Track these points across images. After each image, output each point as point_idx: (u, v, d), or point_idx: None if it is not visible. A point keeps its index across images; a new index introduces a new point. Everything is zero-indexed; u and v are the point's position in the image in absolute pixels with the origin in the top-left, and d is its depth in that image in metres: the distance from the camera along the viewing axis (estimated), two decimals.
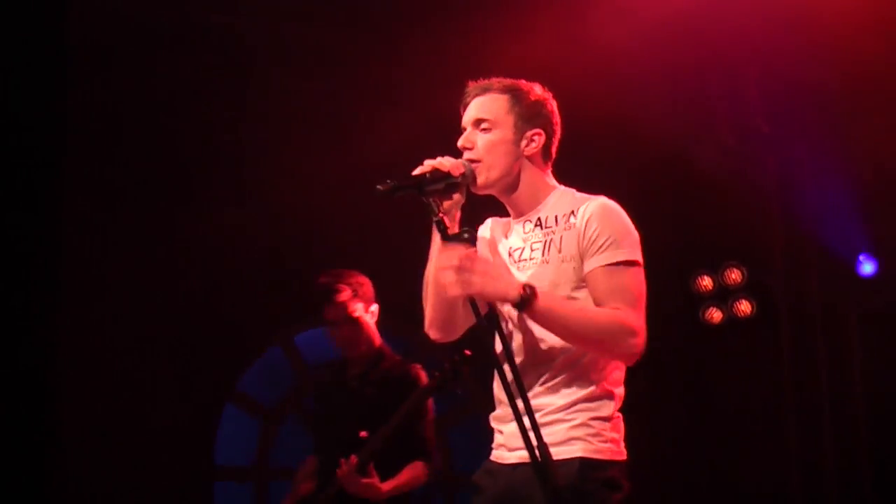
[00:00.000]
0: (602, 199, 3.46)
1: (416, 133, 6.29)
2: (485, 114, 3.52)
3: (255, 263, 7.17)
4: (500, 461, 3.50)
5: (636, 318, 3.30)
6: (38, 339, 6.54)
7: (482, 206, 3.65)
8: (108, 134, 7.01)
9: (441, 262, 3.28)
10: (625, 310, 3.30)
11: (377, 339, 5.63)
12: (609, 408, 3.42)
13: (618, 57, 7.01)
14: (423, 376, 5.52)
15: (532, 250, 3.50)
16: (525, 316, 3.30)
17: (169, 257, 7.11)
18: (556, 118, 3.59)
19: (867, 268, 7.63)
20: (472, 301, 3.20)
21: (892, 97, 7.13)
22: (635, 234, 3.43)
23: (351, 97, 7.35)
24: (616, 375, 3.46)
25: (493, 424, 3.56)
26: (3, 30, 6.27)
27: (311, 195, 7.05)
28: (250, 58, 7.21)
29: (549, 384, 3.41)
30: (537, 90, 3.58)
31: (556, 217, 3.48)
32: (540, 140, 3.53)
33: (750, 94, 7.72)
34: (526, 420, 3.08)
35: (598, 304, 3.35)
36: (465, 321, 3.54)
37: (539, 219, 3.52)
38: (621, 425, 3.46)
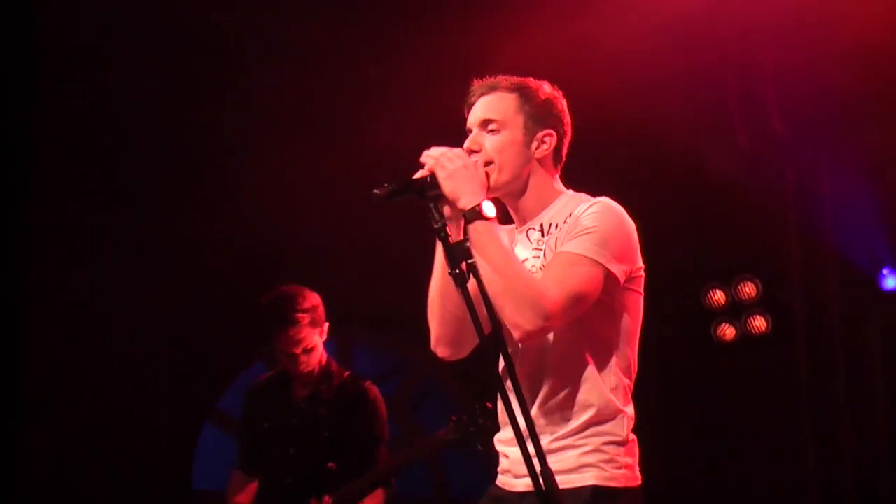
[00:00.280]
0: (603, 199, 3.46)
1: (414, 135, 6.29)
2: (492, 114, 3.51)
3: (239, 273, 7.17)
4: (506, 488, 3.49)
5: (552, 302, 3.24)
6: (8, 354, 6.56)
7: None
8: (82, 135, 7.02)
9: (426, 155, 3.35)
10: (549, 291, 3.26)
11: (325, 357, 5.67)
12: (622, 429, 3.41)
13: (627, 56, 7.02)
14: (376, 392, 5.62)
15: (533, 258, 3.50)
16: (469, 233, 3.27)
17: (146, 267, 7.10)
18: (567, 118, 3.59)
19: (890, 282, 7.65)
20: (474, 318, 3.18)
21: None
22: (625, 242, 3.40)
23: (344, 96, 7.35)
24: (625, 393, 3.45)
25: (498, 447, 3.56)
26: None
27: (301, 201, 7.06)
28: (236, 55, 7.21)
29: (557, 406, 3.40)
30: (546, 88, 3.58)
31: (557, 223, 3.48)
32: (551, 141, 3.53)
33: (766, 94, 7.74)
34: (530, 445, 3.07)
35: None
36: (475, 337, 3.49)
37: (542, 225, 3.52)
38: (636, 449, 3.45)
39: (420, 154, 3.40)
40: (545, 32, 6.84)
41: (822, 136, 7.73)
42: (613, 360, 3.43)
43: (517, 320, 3.25)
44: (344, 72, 7.35)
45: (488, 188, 3.44)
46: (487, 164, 3.47)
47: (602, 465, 3.36)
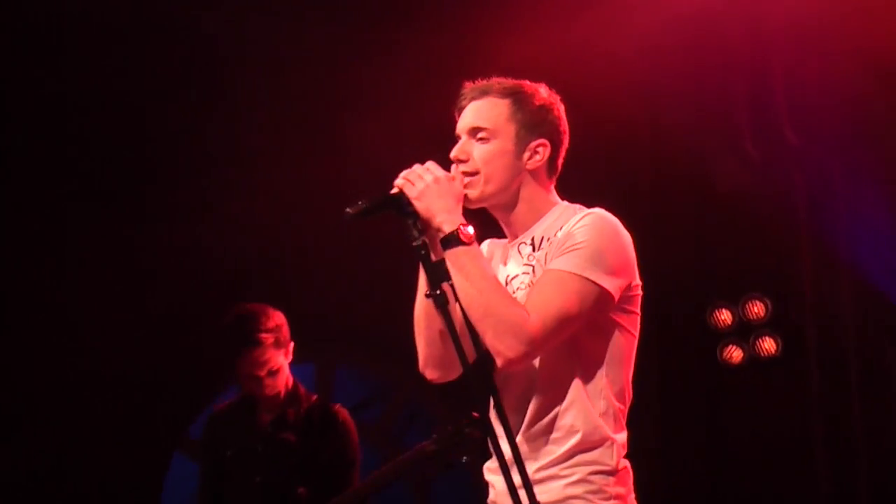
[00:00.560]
0: (596, 210, 3.45)
1: (402, 142, 6.31)
2: (482, 121, 3.50)
3: (213, 292, 7.16)
4: None
5: (535, 329, 3.26)
6: None
7: (478, 226, 3.60)
8: (53, 142, 7.04)
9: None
10: (533, 317, 3.26)
11: (291, 380, 5.68)
12: (611, 458, 3.40)
13: (627, 58, 7.05)
14: (346, 415, 5.66)
15: (523, 274, 3.49)
16: (447, 257, 3.28)
17: (114, 283, 7.11)
18: (564, 125, 3.58)
19: None
20: (455, 341, 3.18)
21: None
22: (620, 257, 3.39)
23: (331, 103, 7.35)
24: (616, 419, 3.44)
25: (487, 476, 3.57)
26: None
27: (281, 214, 7.07)
28: (215, 56, 7.22)
29: (541, 431, 3.40)
30: (543, 92, 3.57)
31: (548, 237, 3.47)
32: (545, 152, 3.52)
33: (777, 100, 7.75)
34: (516, 476, 3.09)
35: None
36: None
37: (533, 239, 3.51)
38: (629, 477, 3.45)
39: (411, 165, 3.39)
40: (542, 32, 6.84)
41: (836, 144, 7.72)
42: (604, 384, 3.43)
43: (498, 347, 3.27)
44: (330, 77, 7.34)
45: (474, 199, 3.44)
46: (472, 174, 3.46)
47: (589, 496, 3.37)
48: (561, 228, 3.42)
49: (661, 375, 7.63)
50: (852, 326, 7.86)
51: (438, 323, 3.37)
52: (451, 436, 5.06)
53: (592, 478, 3.37)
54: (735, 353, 7.99)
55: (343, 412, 5.70)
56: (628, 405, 3.50)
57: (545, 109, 3.55)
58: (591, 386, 3.41)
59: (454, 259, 3.27)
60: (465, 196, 3.44)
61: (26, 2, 6.82)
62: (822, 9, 7.04)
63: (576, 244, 3.34)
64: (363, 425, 6.53)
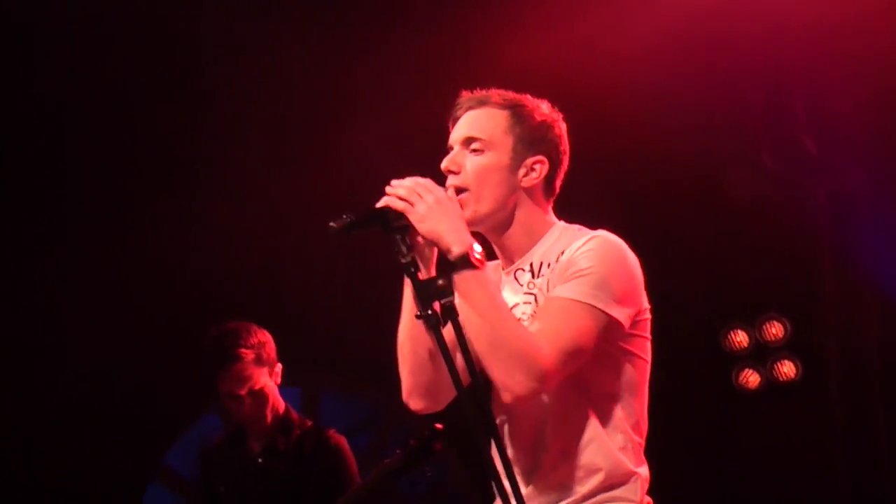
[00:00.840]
0: (601, 233, 3.45)
1: (393, 150, 6.31)
2: (478, 132, 3.49)
3: (190, 314, 7.18)
4: None
5: (546, 362, 3.23)
6: None
7: None
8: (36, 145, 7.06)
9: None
10: (545, 349, 3.24)
11: (281, 405, 5.69)
12: (635, 493, 3.41)
13: (633, 60, 7.03)
14: (341, 440, 5.66)
15: (524, 304, 3.48)
16: (455, 282, 3.24)
17: (86, 296, 7.14)
18: (565, 145, 3.58)
19: None
20: (451, 369, 3.15)
21: None
22: (628, 282, 3.39)
23: (321, 110, 7.37)
24: (636, 452, 3.44)
25: None
26: None
27: (265, 232, 7.09)
28: (198, 59, 7.26)
29: (559, 473, 3.39)
30: (544, 109, 3.57)
31: (549, 262, 3.46)
32: (542, 169, 3.51)
33: (796, 106, 7.74)
34: None
35: None
36: (453, 387, 3.50)
37: (532, 265, 3.50)
38: None
39: (403, 175, 3.36)
40: (544, 32, 6.84)
41: (859, 153, 7.72)
42: (620, 416, 3.43)
43: (507, 382, 3.24)
44: (324, 81, 7.36)
45: (467, 221, 3.39)
46: (463, 190, 3.44)
47: None
48: (563, 253, 3.41)
49: (671, 402, 7.60)
50: (877, 349, 7.85)
51: (426, 347, 3.36)
52: (416, 450, 5.13)
53: None
54: (751, 378, 7.98)
55: (338, 438, 5.71)
56: (645, 437, 3.51)
57: (546, 126, 3.54)
58: (606, 420, 3.41)
59: (462, 284, 3.24)
60: None
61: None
62: (844, 9, 7.03)
63: (581, 271, 3.32)
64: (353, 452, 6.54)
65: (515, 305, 3.48)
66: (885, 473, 7.77)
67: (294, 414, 5.74)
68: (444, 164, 3.49)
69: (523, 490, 3.19)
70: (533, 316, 3.40)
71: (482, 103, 3.52)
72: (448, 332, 3.16)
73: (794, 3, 7.19)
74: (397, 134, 6.82)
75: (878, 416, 7.80)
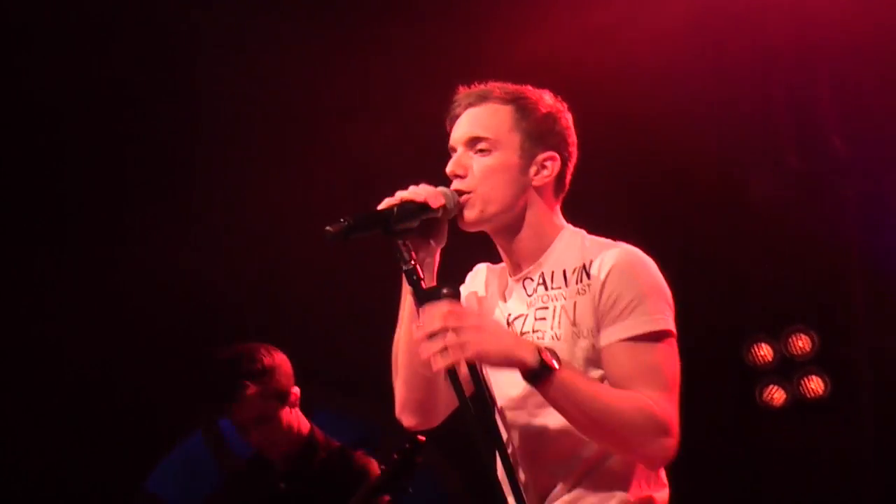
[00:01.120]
0: (622, 248, 3.43)
1: (393, 152, 6.31)
2: (482, 130, 3.46)
3: (174, 327, 7.19)
4: None
5: (670, 411, 3.28)
6: None
7: (471, 250, 3.60)
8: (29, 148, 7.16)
9: (417, 329, 3.20)
10: (656, 398, 3.26)
11: (305, 426, 5.69)
12: None
13: (652, 56, 7.03)
14: (371, 464, 5.63)
15: (537, 319, 3.46)
16: (536, 391, 3.23)
17: (64, 311, 7.20)
18: (573, 137, 3.56)
19: None
20: (454, 379, 3.14)
21: None
22: (666, 294, 3.40)
23: (319, 111, 7.36)
24: (657, 475, 3.44)
25: None
26: None
27: (254, 234, 7.11)
28: (197, 59, 7.28)
29: (570, 494, 3.38)
30: (548, 99, 3.54)
31: (563, 272, 3.44)
32: (553, 166, 3.49)
33: (823, 106, 7.72)
34: None
35: (617, 388, 3.32)
36: (449, 402, 3.49)
37: (543, 275, 3.48)
38: None
39: (412, 176, 3.38)
40: (555, 23, 6.84)
41: (892, 155, 7.70)
42: None
43: (648, 454, 3.31)
44: (320, 82, 7.36)
45: (472, 220, 3.41)
46: (470, 192, 3.41)
47: None
48: (584, 270, 3.40)
49: (691, 420, 7.58)
50: None
51: (419, 361, 3.29)
52: (399, 463, 5.16)
53: None
54: (777, 394, 7.99)
55: (365, 459, 5.68)
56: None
57: (552, 118, 3.52)
58: None
59: (553, 392, 3.20)
60: (462, 216, 3.42)
61: None
62: (876, 4, 7.02)
63: (629, 303, 3.33)
64: None
65: (520, 316, 3.47)
66: None
67: (319, 435, 5.72)
68: (449, 168, 3.46)
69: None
70: (555, 338, 3.39)
71: (483, 99, 3.49)
72: None
73: (822, 1, 7.19)
74: (399, 134, 6.83)
75: None
